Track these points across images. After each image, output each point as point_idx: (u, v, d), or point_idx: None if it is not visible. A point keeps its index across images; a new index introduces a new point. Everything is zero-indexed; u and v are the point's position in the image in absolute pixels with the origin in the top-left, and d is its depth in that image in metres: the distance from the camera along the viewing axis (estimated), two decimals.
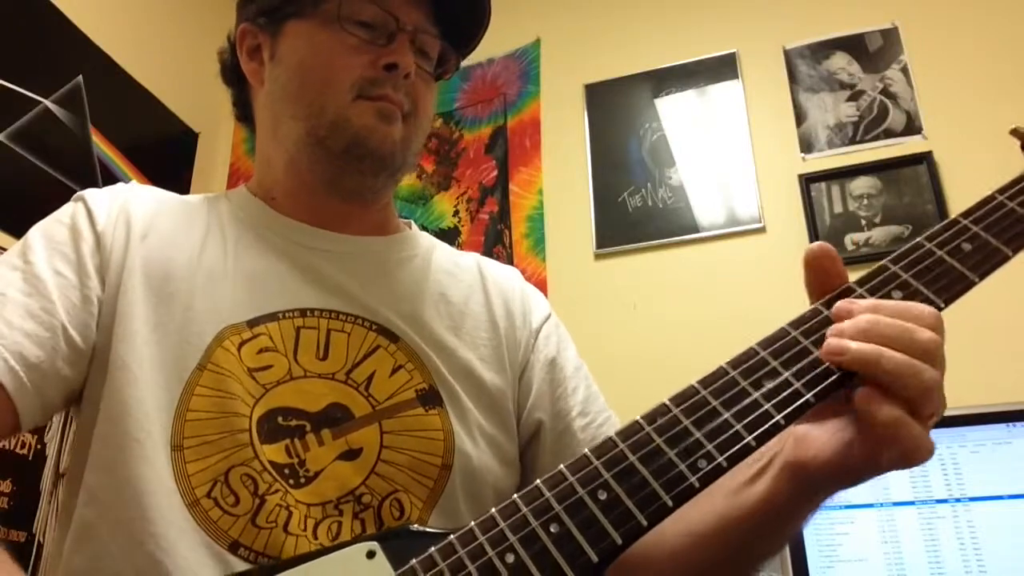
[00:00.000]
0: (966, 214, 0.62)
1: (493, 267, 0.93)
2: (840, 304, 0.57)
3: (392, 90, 0.79)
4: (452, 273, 0.88)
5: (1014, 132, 0.69)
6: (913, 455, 0.52)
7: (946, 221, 0.61)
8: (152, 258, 0.76)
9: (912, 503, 1.47)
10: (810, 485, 0.59)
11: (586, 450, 0.55)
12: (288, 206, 0.85)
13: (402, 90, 0.80)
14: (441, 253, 0.91)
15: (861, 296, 0.58)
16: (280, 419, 0.70)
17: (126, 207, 0.79)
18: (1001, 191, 0.63)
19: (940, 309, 0.57)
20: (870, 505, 1.49)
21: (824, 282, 0.60)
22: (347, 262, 0.82)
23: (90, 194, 0.80)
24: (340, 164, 0.81)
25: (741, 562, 0.68)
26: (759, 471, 0.62)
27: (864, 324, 0.54)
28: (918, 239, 0.61)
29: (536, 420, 0.82)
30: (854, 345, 0.54)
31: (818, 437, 0.57)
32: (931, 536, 1.44)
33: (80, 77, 2.12)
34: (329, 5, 0.80)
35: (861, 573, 1.46)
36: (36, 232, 0.77)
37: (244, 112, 0.91)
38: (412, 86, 0.81)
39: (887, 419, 0.52)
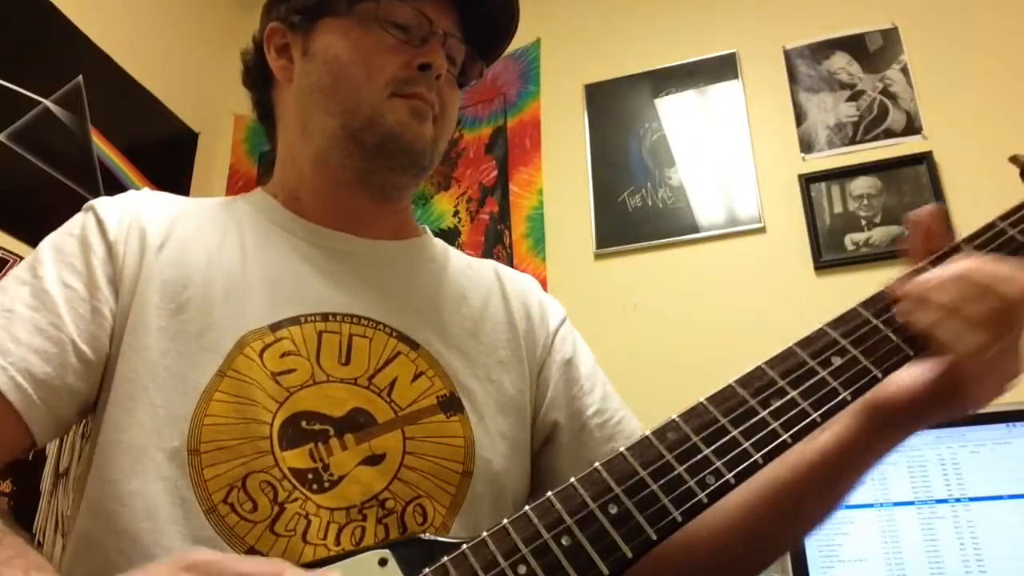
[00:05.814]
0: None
1: (511, 273, 0.94)
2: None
3: (426, 89, 0.81)
4: (470, 277, 0.89)
5: (1013, 160, 0.69)
6: (1010, 374, 0.56)
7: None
8: (169, 267, 0.75)
9: (912, 503, 1.48)
10: (888, 420, 0.62)
11: (597, 464, 0.56)
12: (310, 206, 0.84)
13: (434, 90, 0.82)
14: (457, 257, 0.92)
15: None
16: (304, 423, 0.70)
17: (139, 216, 0.78)
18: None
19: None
20: (870, 505, 1.49)
21: (928, 244, 0.64)
22: (367, 266, 0.82)
23: (100, 203, 0.79)
24: (372, 159, 0.81)
25: (793, 524, 0.71)
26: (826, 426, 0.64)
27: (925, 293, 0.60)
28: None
29: (551, 421, 0.83)
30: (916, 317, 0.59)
31: (902, 377, 0.61)
32: (931, 536, 1.45)
33: (80, 77, 2.11)
34: (367, 5, 0.81)
35: (861, 573, 1.46)
36: (46, 245, 0.76)
37: (265, 113, 0.91)
38: (441, 89, 0.83)
39: (972, 345, 0.56)
